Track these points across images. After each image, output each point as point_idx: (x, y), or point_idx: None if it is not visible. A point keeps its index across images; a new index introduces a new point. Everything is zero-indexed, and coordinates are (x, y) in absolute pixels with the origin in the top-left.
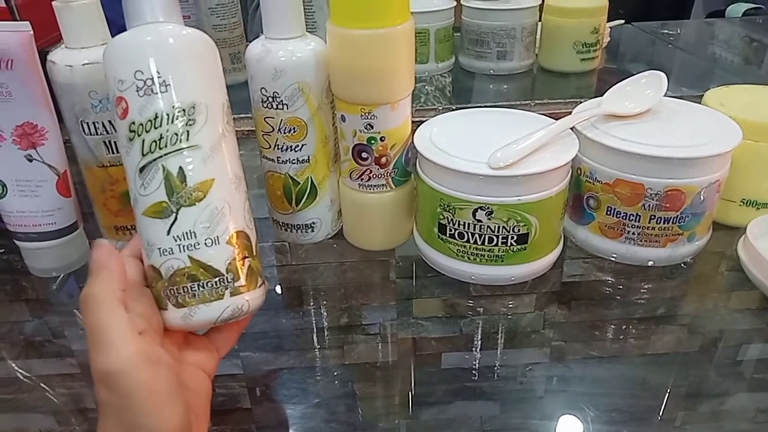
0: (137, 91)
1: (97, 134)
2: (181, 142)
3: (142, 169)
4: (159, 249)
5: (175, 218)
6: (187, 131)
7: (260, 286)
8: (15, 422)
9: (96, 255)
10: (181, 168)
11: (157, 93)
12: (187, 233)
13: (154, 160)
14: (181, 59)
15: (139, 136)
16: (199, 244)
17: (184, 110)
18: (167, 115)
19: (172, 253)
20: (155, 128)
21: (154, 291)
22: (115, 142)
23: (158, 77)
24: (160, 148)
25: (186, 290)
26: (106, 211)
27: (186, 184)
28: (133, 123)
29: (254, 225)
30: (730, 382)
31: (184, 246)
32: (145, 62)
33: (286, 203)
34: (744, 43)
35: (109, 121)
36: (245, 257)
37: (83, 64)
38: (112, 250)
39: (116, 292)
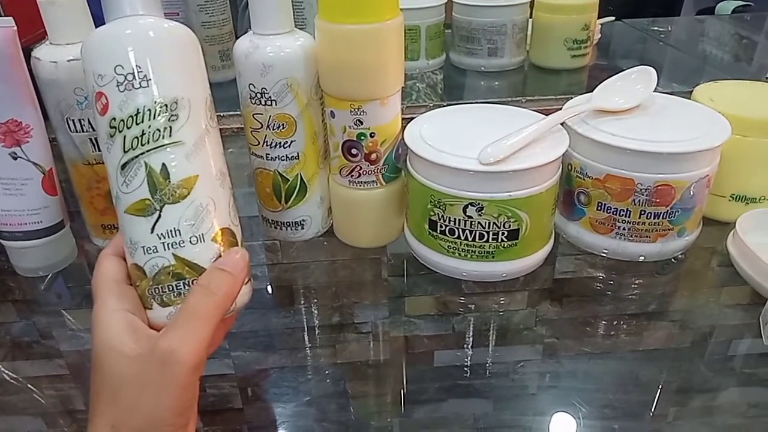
0: (117, 86)
1: (82, 131)
2: (163, 138)
3: (123, 166)
4: (143, 247)
5: (159, 216)
6: (170, 127)
7: (246, 284)
8: (1, 424)
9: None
10: (164, 164)
11: (138, 88)
12: (171, 231)
13: (136, 156)
14: (162, 53)
15: (120, 132)
16: (183, 242)
17: (166, 105)
18: (149, 110)
19: (157, 251)
20: (137, 124)
21: (138, 290)
22: None
23: (139, 72)
24: (142, 145)
25: (171, 289)
26: (92, 209)
27: (169, 181)
28: (114, 119)
29: (239, 222)
30: (720, 377)
31: (168, 244)
32: (125, 56)
33: (276, 201)
34: (733, 40)
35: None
36: None
37: (68, 61)
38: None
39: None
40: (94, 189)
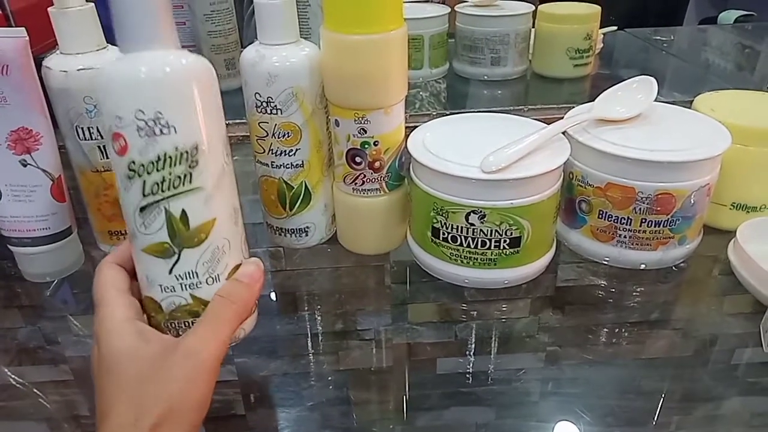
0: (138, 131)
1: (91, 139)
2: (183, 185)
3: (142, 209)
4: (160, 285)
5: (178, 259)
6: (190, 174)
7: (253, 312)
8: (7, 429)
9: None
10: (183, 211)
11: (159, 135)
12: (189, 273)
13: (156, 202)
14: (183, 97)
15: (139, 176)
16: (200, 282)
17: (187, 152)
18: (170, 157)
19: (174, 291)
20: (157, 170)
21: (152, 320)
22: None
23: (160, 118)
24: (162, 191)
25: (187, 324)
26: (100, 216)
27: (188, 227)
28: (133, 162)
29: (248, 248)
30: (722, 385)
31: (186, 285)
32: (146, 101)
33: (280, 208)
34: (736, 50)
35: None
36: None
37: (78, 70)
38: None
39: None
40: (102, 196)
